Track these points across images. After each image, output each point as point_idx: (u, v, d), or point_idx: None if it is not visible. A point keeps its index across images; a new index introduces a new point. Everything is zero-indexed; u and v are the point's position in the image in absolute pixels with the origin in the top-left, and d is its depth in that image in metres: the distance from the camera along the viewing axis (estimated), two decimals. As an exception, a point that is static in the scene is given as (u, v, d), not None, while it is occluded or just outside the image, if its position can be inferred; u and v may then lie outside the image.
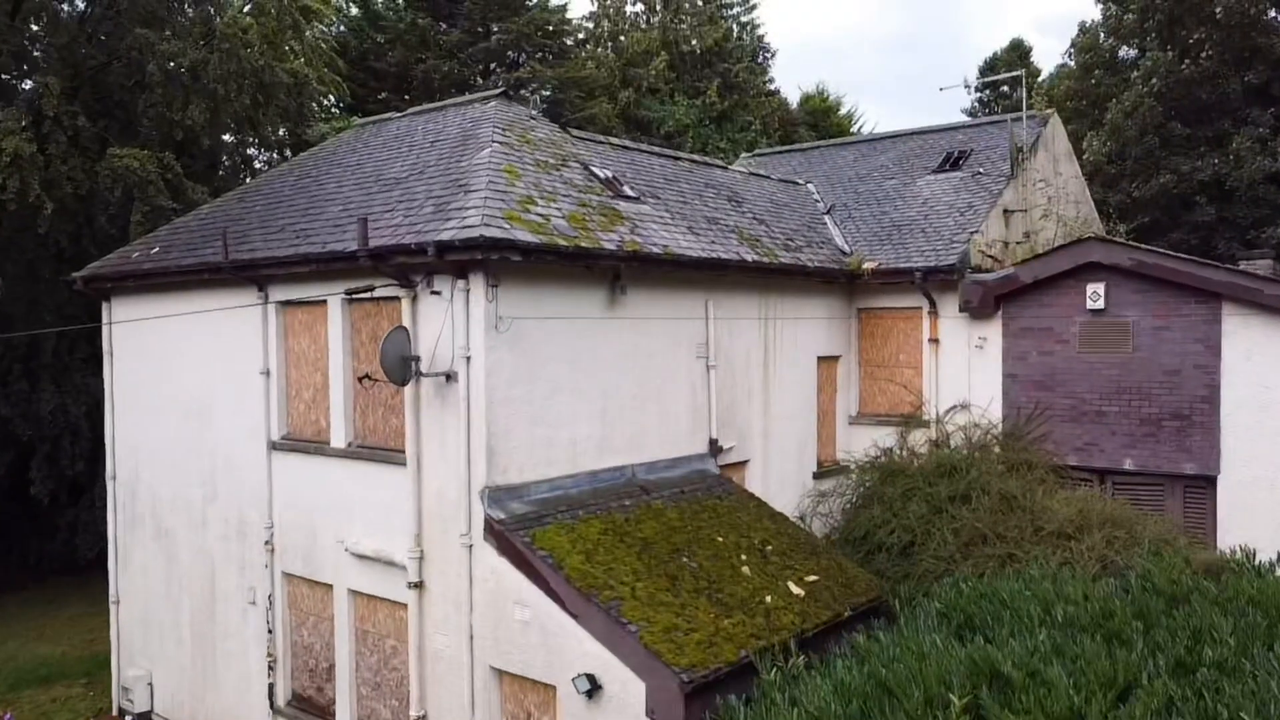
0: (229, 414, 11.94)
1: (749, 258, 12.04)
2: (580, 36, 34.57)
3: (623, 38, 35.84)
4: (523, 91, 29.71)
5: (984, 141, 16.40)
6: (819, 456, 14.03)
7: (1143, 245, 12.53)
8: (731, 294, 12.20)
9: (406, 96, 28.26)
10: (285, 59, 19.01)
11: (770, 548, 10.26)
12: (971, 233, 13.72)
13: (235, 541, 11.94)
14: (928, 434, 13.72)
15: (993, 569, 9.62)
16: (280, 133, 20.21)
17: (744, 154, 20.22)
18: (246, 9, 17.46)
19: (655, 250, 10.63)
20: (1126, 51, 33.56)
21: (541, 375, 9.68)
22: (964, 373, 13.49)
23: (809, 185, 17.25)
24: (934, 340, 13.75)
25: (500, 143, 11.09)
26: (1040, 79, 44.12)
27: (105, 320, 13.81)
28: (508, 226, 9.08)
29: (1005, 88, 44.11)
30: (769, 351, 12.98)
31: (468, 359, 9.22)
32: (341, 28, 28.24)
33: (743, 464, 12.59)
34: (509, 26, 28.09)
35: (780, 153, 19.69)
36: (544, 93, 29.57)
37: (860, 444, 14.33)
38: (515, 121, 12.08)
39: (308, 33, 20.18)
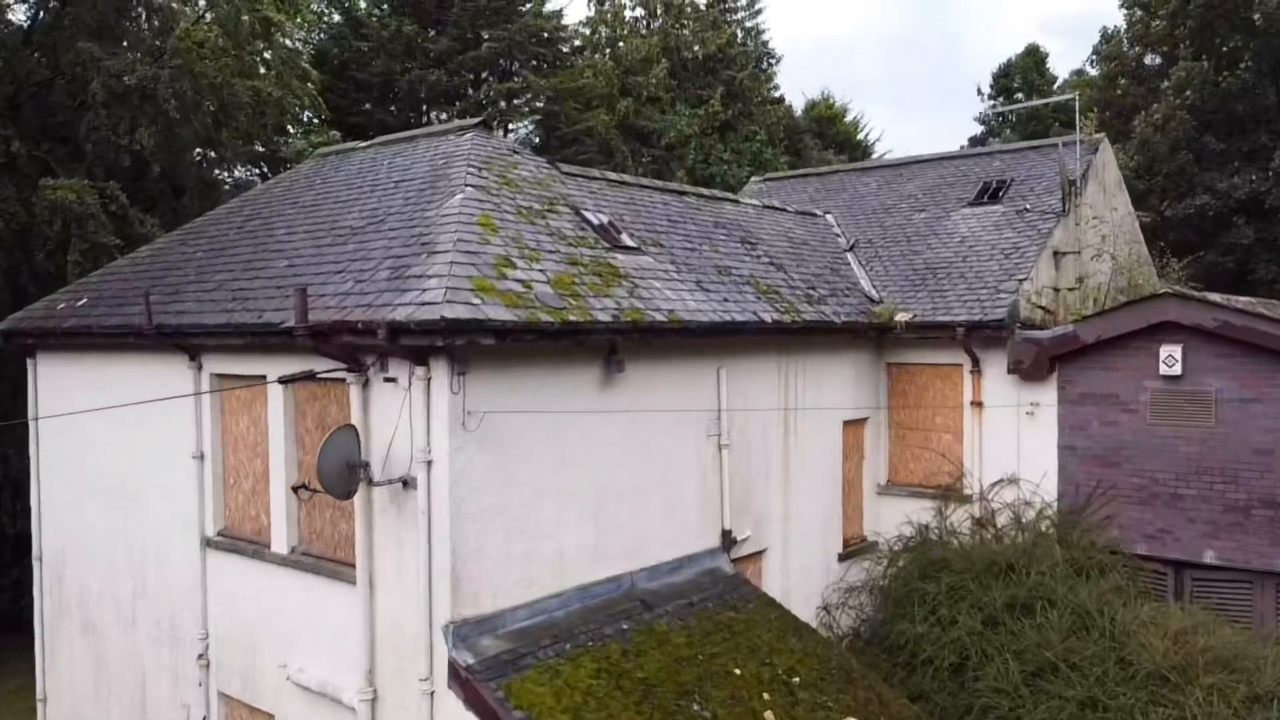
0: (160, 500, 10.21)
1: (768, 318, 10.30)
2: (577, 43, 32.83)
3: (621, 44, 34.09)
4: (515, 101, 28.02)
5: (1024, 169, 14.65)
6: (845, 534, 12.29)
7: (1228, 302, 10.79)
8: (747, 358, 10.47)
9: (391, 109, 26.57)
10: (254, 73, 17.28)
11: (797, 679, 8.51)
12: (1020, 280, 11.97)
13: (168, 648, 10.19)
14: (969, 510, 11.99)
15: (1071, 716, 7.87)
16: (254, 146, 18.42)
17: (754, 178, 18.47)
18: (207, 18, 15.63)
19: (659, 317, 8.89)
20: (1152, 59, 31.85)
21: (520, 477, 7.95)
22: (1012, 442, 11.75)
23: (828, 216, 15.51)
24: (977, 403, 12.02)
25: (475, 186, 9.34)
26: (1055, 85, 42.37)
27: (31, 379, 12.07)
28: (478, 302, 7.34)
29: (1020, 95, 42.37)
30: (789, 420, 11.24)
31: (429, 463, 7.48)
32: (321, 35, 26.51)
33: (760, 554, 10.85)
34: (500, 34, 26.33)
35: (794, 177, 17.94)
36: (538, 104, 27.83)
37: (891, 518, 12.60)
38: (494, 158, 10.33)
39: (280, 42, 18.43)
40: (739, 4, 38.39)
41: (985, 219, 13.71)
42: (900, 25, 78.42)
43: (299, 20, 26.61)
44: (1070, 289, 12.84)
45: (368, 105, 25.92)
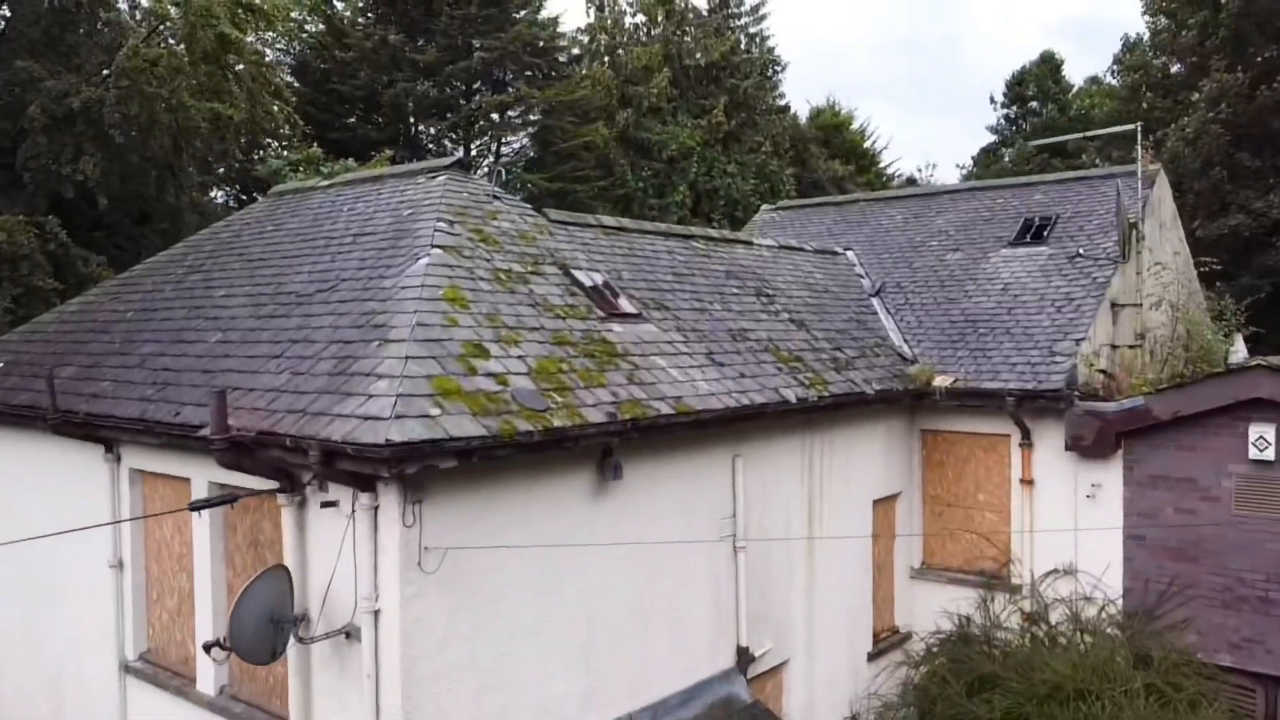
0: (77, 609, 8.68)
1: (792, 396, 8.76)
2: (575, 52, 31.28)
3: (621, 51, 32.51)
4: (509, 114, 26.47)
5: (1070, 203, 13.11)
6: (875, 628, 10.76)
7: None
8: (767, 441, 8.93)
9: (378, 119, 25.02)
10: (219, 92, 15.74)
11: None
12: (1077, 340, 10.44)
13: (87, 783, 8.67)
14: (1018, 603, 10.46)
15: None
16: (217, 171, 16.87)
17: (765, 207, 16.92)
18: (167, 34, 14.07)
19: (664, 408, 7.36)
20: (1178, 69, 30.28)
21: (494, 620, 6.42)
22: (1069, 527, 10.22)
23: (849, 254, 13.97)
24: (1027, 481, 10.49)
25: (444, 246, 7.80)
26: (1071, 93, 40.82)
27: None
28: (437, 413, 5.81)
29: (1034, 103, 40.83)
30: (814, 505, 9.70)
31: (376, 613, 5.94)
32: (300, 47, 24.96)
33: (780, 667, 9.31)
34: (492, 44, 24.78)
35: (809, 206, 16.38)
36: (532, 117, 26.30)
37: (926, 606, 11.08)
38: (470, 206, 8.79)
39: (249, 57, 16.89)
40: (742, 10, 36.79)
41: (1029, 262, 12.16)
42: (901, 27, 76.88)
43: (279, 29, 25.11)
44: (1131, 346, 11.31)
45: (351, 120, 24.38)
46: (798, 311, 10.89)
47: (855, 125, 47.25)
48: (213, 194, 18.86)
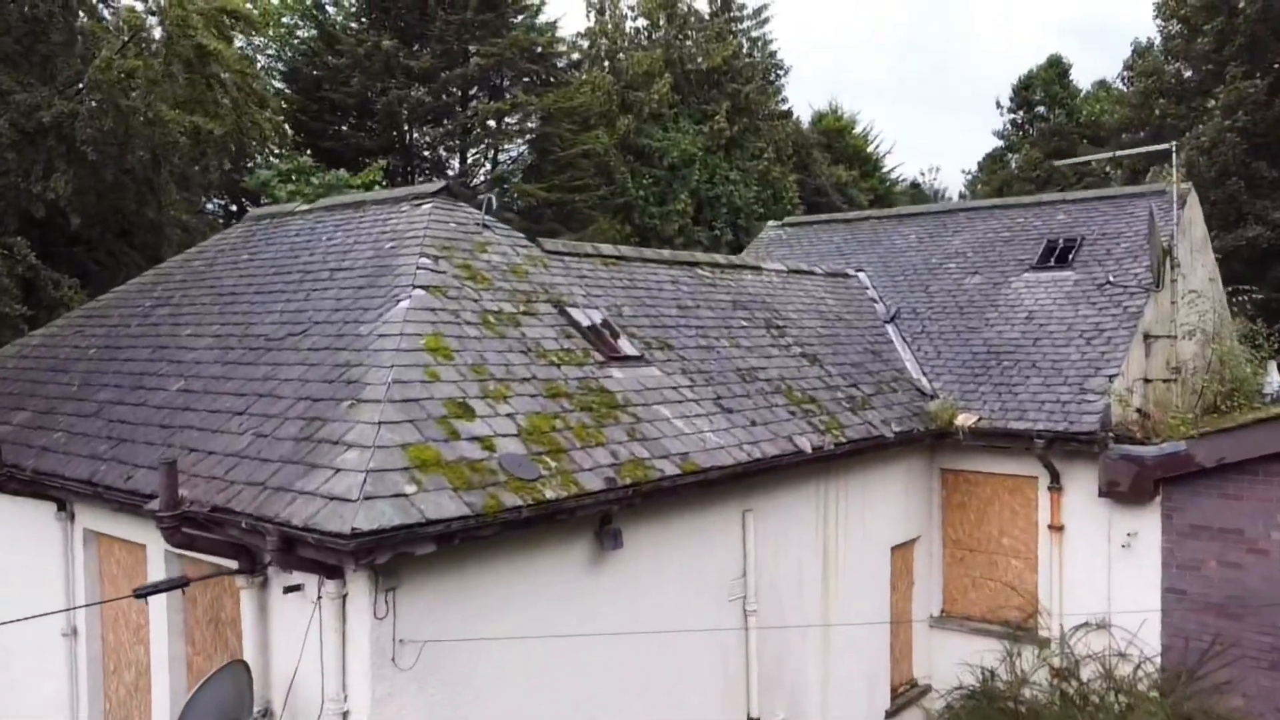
0: (32, 676, 7.99)
1: (807, 445, 8.06)
2: (575, 57, 30.58)
3: (621, 56, 31.82)
4: (506, 120, 25.76)
5: (1095, 224, 12.41)
6: (892, 681, 10.06)
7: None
8: (779, 492, 8.24)
9: (373, 125, 24.30)
10: (202, 103, 15.04)
11: None
12: (1110, 376, 9.74)
13: None
14: (1046, 657, 9.76)
15: None
16: (198, 186, 16.15)
17: (771, 224, 16.21)
18: (140, 44, 13.35)
19: (669, 468, 6.67)
20: (1191, 76, 29.59)
21: (477, 717, 5.72)
22: (1101, 577, 9.53)
23: (861, 275, 13.27)
24: (1056, 527, 9.79)
25: (427, 286, 7.11)
26: (1079, 98, 40.07)
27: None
28: (412, 490, 5.13)
29: (1041, 108, 40.11)
30: (830, 558, 9.01)
31: (345, 715, 5.25)
32: (290, 53, 24.26)
33: (793, 734, 8.62)
34: (489, 50, 24.08)
35: (818, 223, 15.67)
36: (530, 124, 25.62)
37: (946, 658, 10.39)
38: (458, 238, 8.09)
39: (233, 66, 16.20)
40: (745, 13, 36.11)
41: (1054, 289, 11.47)
42: (902, 29, 76.20)
43: (271, 34, 24.44)
44: (1165, 380, 10.61)
45: (344, 128, 23.68)
46: (810, 344, 10.20)
47: (858, 130, 46.66)
48: (203, 204, 18.00)
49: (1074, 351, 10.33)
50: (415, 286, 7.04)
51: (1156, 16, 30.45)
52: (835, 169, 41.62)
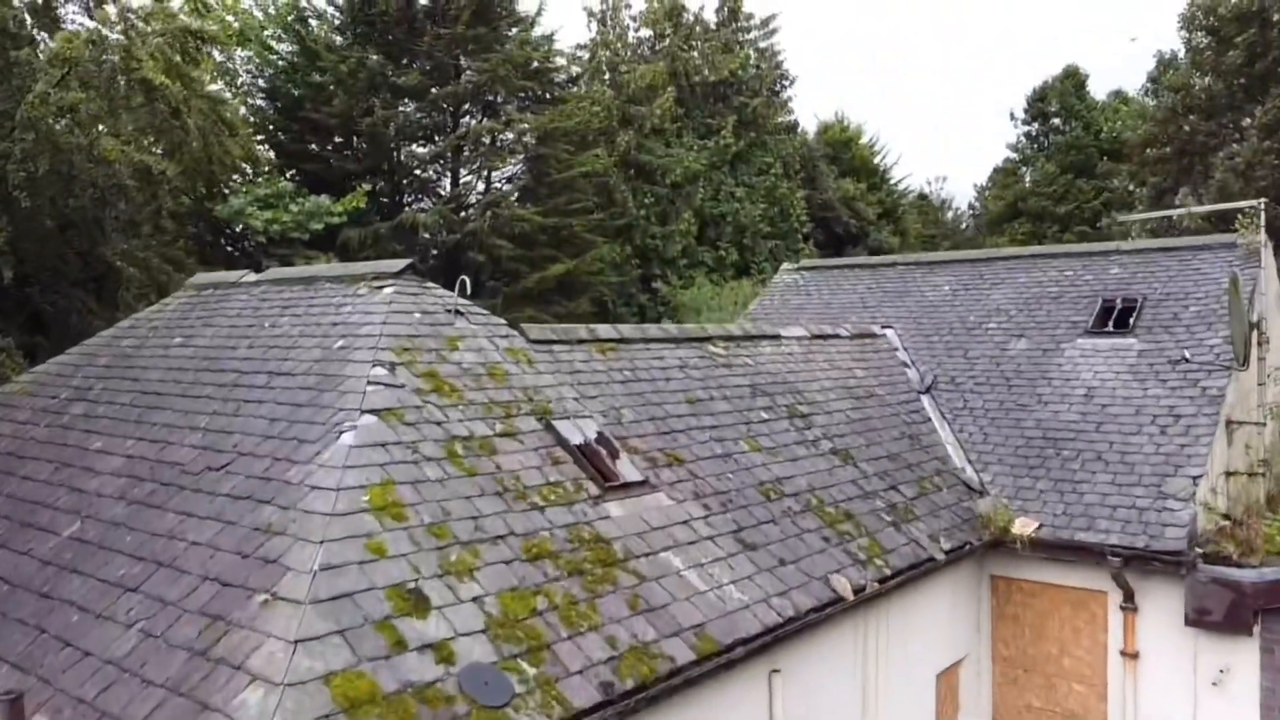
0: None
1: (845, 588, 6.65)
2: (575, 70, 29.17)
3: (623, 68, 30.38)
4: (500, 139, 24.30)
5: (1156, 279, 10.98)
6: (936, 828, 8.65)
7: None
8: (811, 642, 6.81)
9: (361, 144, 22.78)
10: (168, 131, 13.61)
11: None
12: (1194, 477, 8.32)
13: None
14: (1118, 804, 8.35)
15: None
16: (152, 225, 14.67)
17: (786, 266, 14.76)
18: (81, 76, 11.87)
19: (681, 651, 5.27)
20: (1221, 90, 28.15)
21: None
22: (1185, 716, 8.10)
23: (889, 333, 11.86)
24: (1130, 654, 8.37)
25: (379, 411, 5.69)
26: (1096, 110, 38.59)
27: None
28: (332, 756, 3.71)
29: (1056, 120, 38.66)
30: (869, 699, 7.59)
31: None
32: (269, 71, 22.80)
33: None
34: (482, 65, 22.63)
35: (839, 267, 14.22)
36: (526, 143, 24.16)
37: (997, 796, 8.96)
38: (422, 335, 6.66)
39: (196, 93, 14.78)
40: (752, 23, 34.69)
41: (1115, 360, 10.04)
42: (905, 35, 74.69)
43: (251, 49, 23.02)
44: (1250, 474, 9.19)
45: (327, 148, 22.20)
46: (840, 434, 8.77)
47: (864, 140, 45.29)
48: (163, 241, 16.46)
49: (1146, 441, 8.90)
50: (364, 411, 5.63)
51: (1182, 28, 29.05)
52: (842, 182, 40.27)
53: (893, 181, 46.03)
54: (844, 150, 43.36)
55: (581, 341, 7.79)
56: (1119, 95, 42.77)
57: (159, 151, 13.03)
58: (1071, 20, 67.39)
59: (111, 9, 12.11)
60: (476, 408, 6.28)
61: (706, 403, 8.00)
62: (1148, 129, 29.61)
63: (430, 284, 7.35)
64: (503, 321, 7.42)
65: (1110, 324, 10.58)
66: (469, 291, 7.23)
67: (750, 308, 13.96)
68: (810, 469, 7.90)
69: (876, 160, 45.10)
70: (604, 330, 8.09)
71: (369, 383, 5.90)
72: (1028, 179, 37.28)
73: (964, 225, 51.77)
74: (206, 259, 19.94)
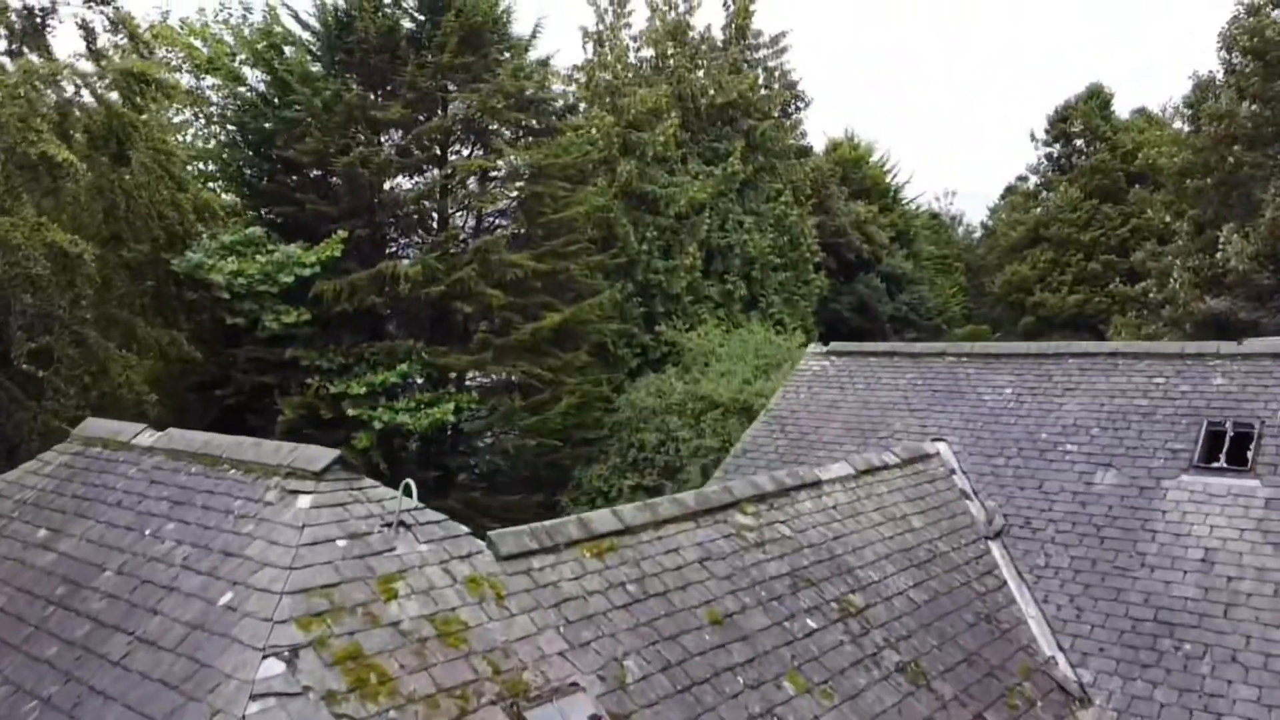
0: None
1: None
2: (573, 93, 27.28)
3: (624, 90, 28.35)
4: (491, 178, 22.35)
5: (1274, 397, 9.04)
6: None
7: None
8: None
9: (334, 181, 20.79)
10: (109, 190, 11.74)
11: None
12: (1370, 705, 6.39)
13: None
14: None
15: None
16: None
17: (813, 348, 12.81)
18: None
19: None
20: (1263, 115, 26.21)
21: None
22: None
23: (941, 448, 9.94)
24: None
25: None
26: (1122, 132, 36.61)
27: None
28: None
29: (1080, 141, 36.69)
30: None
31: None
32: (235, 104, 20.89)
33: None
34: (471, 97, 20.71)
35: (876, 354, 12.26)
36: (518, 182, 22.26)
37: None
38: (347, 580, 4.74)
39: (140, 148, 12.87)
40: (761, 41, 32.77)
41: (1235, 509, 8.10)
42: (912, 48, 72.87)
43: (219, 78, 21.13)
44: None
45: (301, 193, 20.14)
46: (905, 633, 6.84)
47: (874, 158, 43.49)
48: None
49: (1294, 638, 6.97)
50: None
51: (1221, 48, 27.13)
52: (854, 206, 38.40)
53: (905, 202, 44.24)
54: (854, 169, 41.56)
55: (571, 544, 5.84)
56: (1142, 113, 40.92)
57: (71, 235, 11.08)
58: (1078, 31, 65.50)
59: (9, 64, 10.18)
60: (420, 699, 4.35)
61: (738, 619, 6.05)
62: (1185, 157, 27.66)
63: (365, 484, 5.41)
64: (463, 531, 5.48)
65: (1222, 457, 8.64)
66: (415, 496, 5.30)
67: (773, 402, 12.01)
68: (877, 708, 5.96)
69: (888, 179, 43.30)
70: (599, 522, 6.13)
71: (253, 696, 3.98)
72: (1052, 204, 35.28)
73: (978, 248, 49.86)
74: (167, 317, 18.08)
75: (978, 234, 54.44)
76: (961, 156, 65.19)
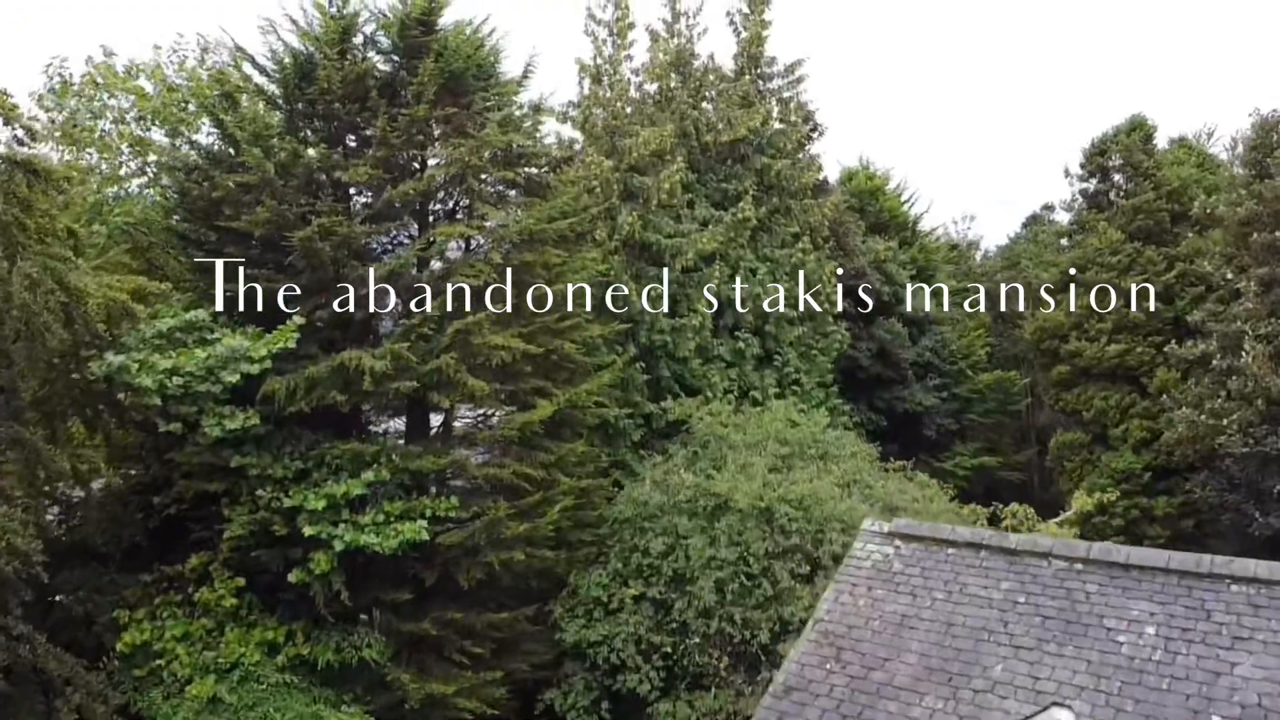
0: None
1: None
2: (568, 139, 24.57)
3: (625, 126, 25.53)
4: (473, 245, 19.58)
5: None
6: None
7: None
8: None
9: (288, 261, 17.93)
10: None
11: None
12: None
13: None
14: None
15: None
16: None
17: (869, 523, 10.01)
18: None
19: None
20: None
21: None
22: None
23: (1062, 716, 7.18)
24: None
25: None
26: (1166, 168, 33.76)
27: None
28: None
29: (1118, 177, 33.86)
30: None
31: None
32: (180, 164, 18.10)
33: None
34: (452, 153, 17.90)
35: (954, 544, 9.46)
36: (506, 248, 19.43)
37: None
38: None
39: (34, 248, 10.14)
40: (775, 70, 30.04)
41: None
42: (921, 66, 70.25)
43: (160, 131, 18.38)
44: None
45: (252, 269, 17.26)
46: None
47: (891, 186, 40.71)
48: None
49: None
50: None
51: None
52: (872, 240, 35.60)
53: (924, 235, 41.52)
54: (870, 201, 38.78)
55: None
56: (1181, 143, 38.15)
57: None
58: (1101, 43, 62.90)
59: None
60: None
61: None
62: (1250, 207, 24.93)
63: None
64: None
65: None
66: None
67: (823, 609, 9.23)
68: None
69: (905, 208, 40.57)
70: None
71: None
72: (1094, 245, 32.43)
73: (996, 274, 47.01)
74: (89, 422, 15.36)
75: (994, 255, 51.77)
76: (978, 174, 62.54)
